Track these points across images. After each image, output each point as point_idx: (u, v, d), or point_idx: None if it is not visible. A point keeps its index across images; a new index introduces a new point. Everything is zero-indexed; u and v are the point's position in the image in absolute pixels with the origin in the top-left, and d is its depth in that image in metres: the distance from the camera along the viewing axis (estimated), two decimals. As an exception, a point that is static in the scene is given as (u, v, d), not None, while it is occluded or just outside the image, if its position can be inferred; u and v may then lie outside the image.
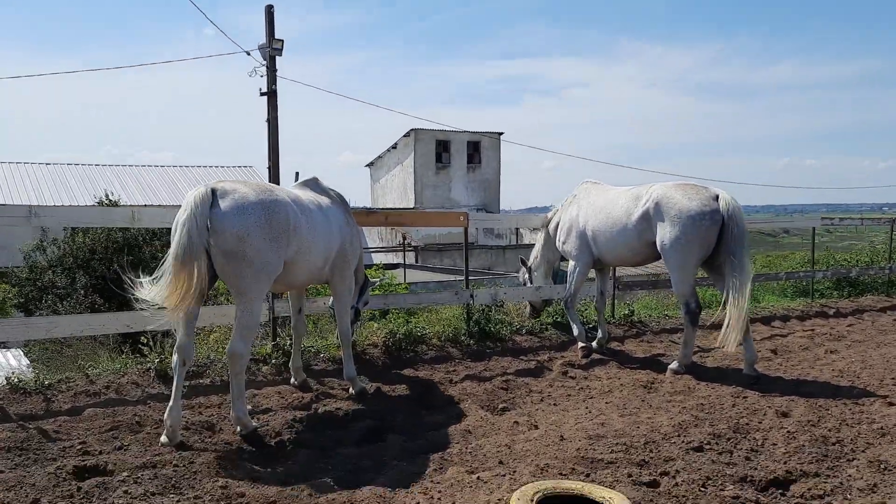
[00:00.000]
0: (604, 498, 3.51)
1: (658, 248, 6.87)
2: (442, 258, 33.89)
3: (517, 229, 42.38)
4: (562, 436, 4.93)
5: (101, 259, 14.62)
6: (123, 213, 6.28)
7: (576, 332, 8.00)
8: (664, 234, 6.74)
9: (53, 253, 15.51)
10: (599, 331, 8.21)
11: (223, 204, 4.73)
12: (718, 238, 6.62)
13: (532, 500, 3.47)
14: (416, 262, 32.36)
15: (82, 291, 14.56)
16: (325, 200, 5.97)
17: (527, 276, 9.17)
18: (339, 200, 6.29)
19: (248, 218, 4.74)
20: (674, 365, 6.93)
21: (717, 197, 6.68)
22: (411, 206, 42.27)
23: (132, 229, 14.10)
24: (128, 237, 14.53)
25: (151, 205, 26.53)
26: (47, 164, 33.61)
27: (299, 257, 5.26)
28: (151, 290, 4.69)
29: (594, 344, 8.07)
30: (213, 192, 4.78)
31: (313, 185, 6.17)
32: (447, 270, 29.80)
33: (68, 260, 15.02)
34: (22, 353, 8.41)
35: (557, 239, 8.15)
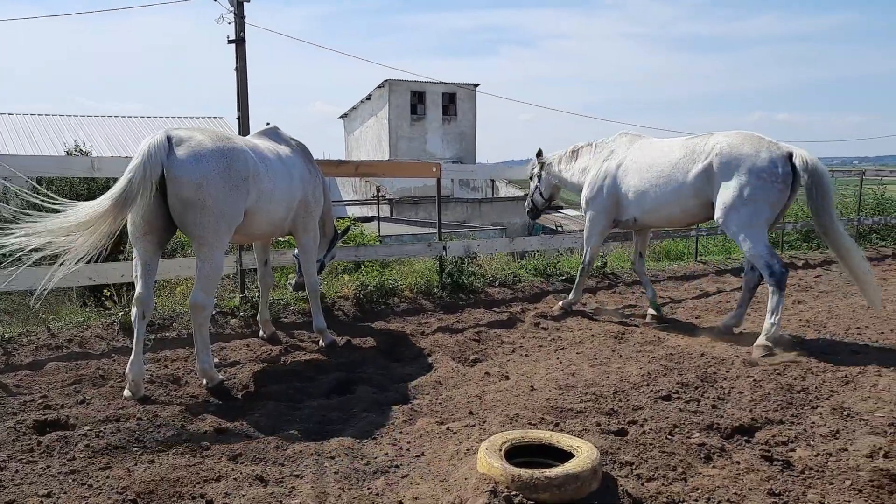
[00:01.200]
0: (571, 447, 3.50)
1: (718, 207, 6.05)
2: (417, 211, 33.70)
3: (493, 182, 42.26)
4: (532, 386, 4.94)
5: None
6: (82, 163, 6.08)
7: (571, 296, 7.70)
8: (728, 192, 5.95)
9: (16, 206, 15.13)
10: (649, 290, 7.48)
11: (179, 151, 4.57)
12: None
13: (500, 450, 3.45)
14: (391, 215, 32.17)
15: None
16: (284, 150, 5.81)
17: (532, 171, 8.42)
18: (301, 150, 6.11)
19: (207, 165, 4.59)
20: (761, 340, 5.89)
21: (791, 155, 5.89)
22: (386, 158, 41.89)
23: (98, 181, 13.77)
24: (92, 189, 14.19)
25: (118, 156, 25.97)
26: (10, 114, 32.64)
27: (260, 206, 5.13)
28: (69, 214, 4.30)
29: (651, 308, 7.38)
30: (169, 139, 4.61)
31: (273, 134, 5.99)
32: (422, 223, 29.68)
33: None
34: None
35: (584, 190, 7.28)
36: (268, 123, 6.45)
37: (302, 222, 5.93)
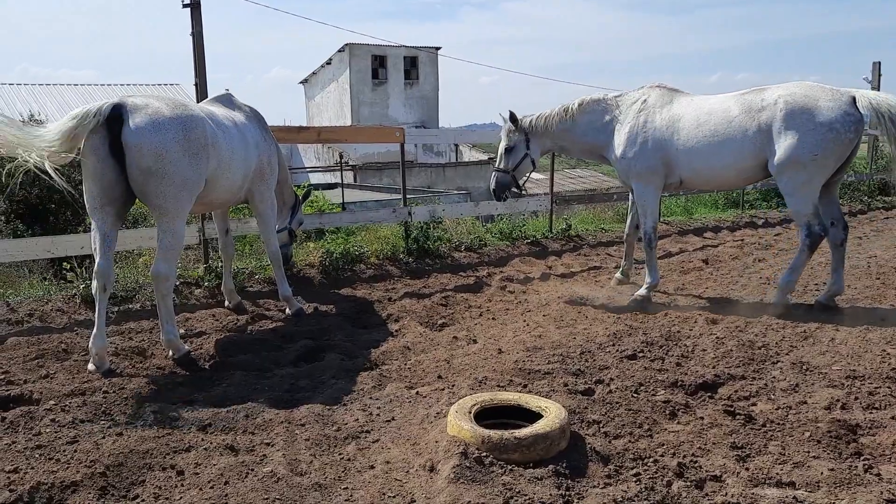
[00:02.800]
0: (539, 407, 3.55)
1: (776, 163, 5.62)
2: (381, 177, 33.48)
3: (457, 146, 42.08)
4: (500, 349, 4.98)
5: (21, 183, 13.88)
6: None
7: (649, 279, 6.45)
8: (791, 147, 5.51)
9: (-33, 179, 14.65)
10: (628, 261, 7.19)
11: (137, 120, 4.45)
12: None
13: (470, 412, 3.49)
14: (355, 181, 31.93)
15: (2, 217, 13.87)
16: (239, 116, 5.72)
17: (515, 139, 6.78)
18: (255, 117, 6.02)
19: (166, 134, 4.49)
20: (777, 297, 5.92)
21: (855, 98, 5.52)
22: (348, 124, 41.42)
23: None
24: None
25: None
26: (-44, 84, 31.49)
27: (219, 174, 5.06)
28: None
29: (619, 274, 7.14)
30: (122, 106, 4.48)
31: (226, 101, 5.89)
32: (387, 189, 29.50)
33: (-15, 185, 14.23)
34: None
35: (614, 155, 6.40)
36: (226, 90, 6.32)
37: (258, 190, 5.85)
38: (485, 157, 40.23)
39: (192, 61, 8.13)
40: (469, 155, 41.91)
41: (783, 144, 5.56)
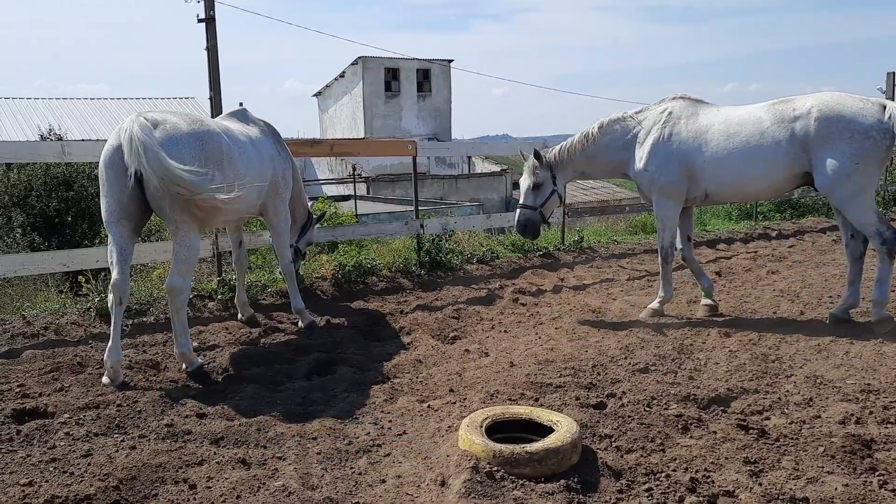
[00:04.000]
0: (551, 421, 3.54)
1: (823, 175, 5.45)
2: (394, 189, 33.59)
3: (469, 158, 42.17)
4: (512, 362, 4.98)
5: (38, 196, 14.05)
6: (52, 148, 5.98)
7: (662, 293, 6.35)
8: (832, 160, 5.38)
9: (-15, 192, 14.84)
10: (703, 279, 6.52)
11: (155, 135, 4.52)
12: None
13: (481, 426, 3.49)
14: (368, 193, 32.03)
15: (20, 230, 14.04)
16: (254, 131, 5.80)
17: (542, 175, 6.47)
18: (270, 131, 6.10)
19: (182, 149, 4.55)
20: (876, 315, 5.58)
21: (885, 107, 5.44)
22: (361, 137, 41.62)
23: (73, 164, 13.53)
24: (70, 172, 13.93)
25: (89, 139, 25.53)
26: (-26, 100, 31.91)
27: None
28: None
29: (705, 299, 6.44)
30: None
31: (241, 115, 5.97)
32: (399, 201, 29.57)
33: (3, 198, 14.40)
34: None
35: (636, 168, 6.21)
36: (240, 104, 6.39)
37: (272, 204, 5.92)
38: (497, 168, 40.31)
39: (207, 75, 8.22)
40: (482, 166, 41.96)
41: (823, 156, 5.45)
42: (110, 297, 4.70)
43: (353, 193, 28.10)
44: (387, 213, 23.54)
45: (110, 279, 4.69)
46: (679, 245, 6.54)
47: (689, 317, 6.27)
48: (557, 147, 6.57)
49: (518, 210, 6.52)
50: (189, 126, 4.70)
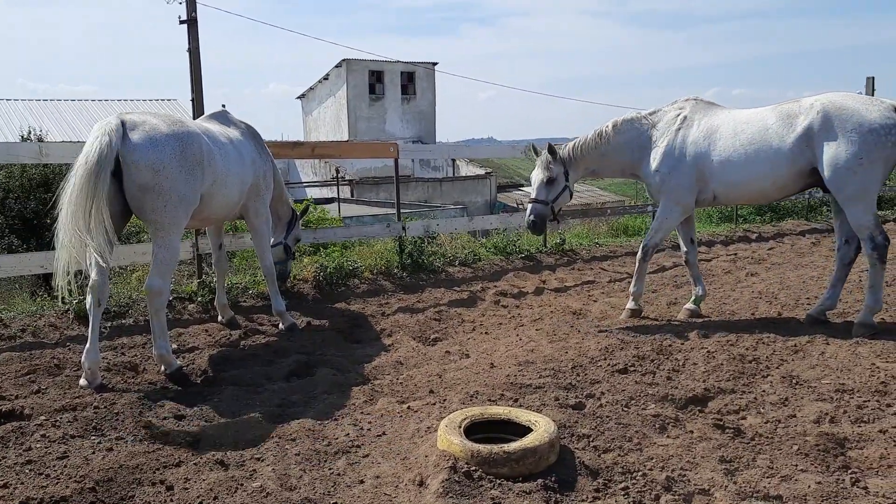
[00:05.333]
0: (529, 421, 3.56)
1: (829, 171, 5.42)
2: (378, 192, 33.54)
3: (454, 161, 42.22)
4: (492, 363, 5.00)
5: (16, 198, 13.91)
6: (29, 149, 5.94)
7: (633, 289, 6.43)
8: (836, 155, 5.37)
9: (-37, 192, 14.66)
10: (699, 286, 6.48)
11: (134, 136, 4.51)
12: None
13: (460, 427, 3.50)
14: (352, 196, 31.98)
15: (-2, 233, 13.89)
16: (234, 133, 5.80)
17: (556, 170, 6.36)
18: (250, 133, 6.10)
19: (163, 150, 4.55)
20: (861, 317, 5.59)
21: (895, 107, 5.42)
22: (345, 140, 41.53)
23: (51, 166, 13.41)
24: (45, 173, 13.81)
25: (69, 141, 25.28)
26: (-48, 100, 31.56)
27: (214, 190, 5.12)
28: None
29: (691, 304, 6.45)
30: (123, 123, 4.54)
31: (221, 117, 5.97)
32: (383, 204, 29.53)
33: (-21, 200, 14.24)
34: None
35: (648, 169, 6.20)
36: (223, 106, 6.38)
37: (253, 206, 5.91)
38: (481, 171, 40.37)
39: (189, 77, 8.19)
40: (466, 170, 42.01)
41: (827, 151, 5.44)
42: (89, 298, 4.66)
43: (336, 196, 28.05)
44: (370, 215, 23.51)
45: (89, 281, 4.66)
46: (684, 248, 6.57)
47: (669, 319, 6.31)
48: (571, 143, 6.55)
49: (529, 205, 6.44)
50: (169, 128, 4.69)
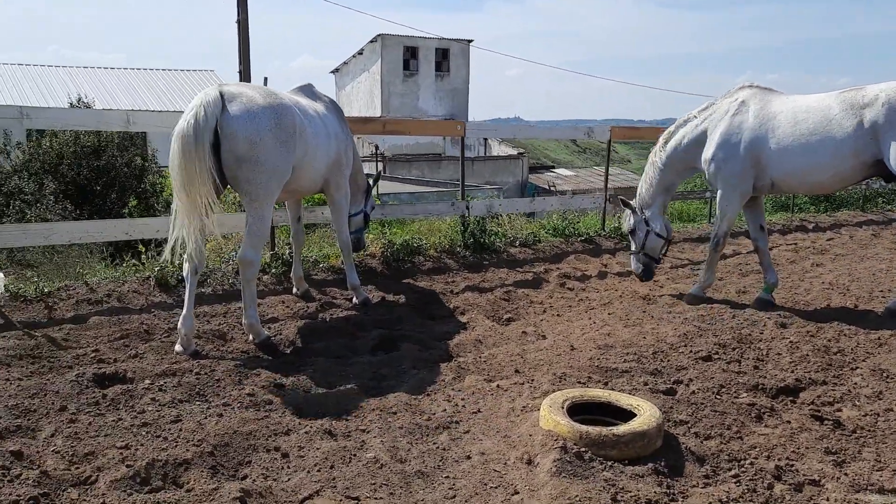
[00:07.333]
0: (631, 405, 3.59)
1: (892, 164, 5.36)
2: (410, 169, 33.58)
3: (486, 140, 42.07)
4: (572, 346, 5.02)
5: (70, 164, 14.11)
6: (118, 117, 6.02)
7: (703, 277, 6.53)
8: None
9: (18, 158, 14.90)
10: (770, 274, 6.44)
11: (232, 108, 4.57)
12: None
13: (563, 407, 3.54)
14: (385, 172, 32.07)
15: (51, 198, 14.11)
16: (320, 107, 5.86)
17: (634, 220, 6.84)
18: (334, 107, 6.18)
19: (260, 122, 4.60)
20: None
21: None
22: (378, 116, 41.51)
23: (104, 133, 13.57)
24: (99, 140, 13.98)
25: (110, 108, 25.50)
26: (-6, 64, 31.88)
27: (304, 162, 5.19)
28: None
29: (764, 293, 6.36)
30: (221, 95, 4.59)
31: (308, 91, 6.03)
32: (417, 182, 29.56)
33: (35, 165, 14.45)
34: None
35: (704, 157, 6.25)
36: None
37: (335, 180, 5.95)
38: (513, 151, 40.18)
39: (238, 48, 8.20)
40: (498, 150, 41.87)
41: (892, 143, 5.35)
42: (186, 265, 4.77)
43: (374, 172, 28.14)
44: (407, 193, 23.56)
45: (186, 249, 4.72)
46: (753, 235, 6.56)
47: (742, 306, 6.28)
48: (638, 188, 6.89)
49: (631, 256, 7.01)
50: (265, 99, 4.74)
